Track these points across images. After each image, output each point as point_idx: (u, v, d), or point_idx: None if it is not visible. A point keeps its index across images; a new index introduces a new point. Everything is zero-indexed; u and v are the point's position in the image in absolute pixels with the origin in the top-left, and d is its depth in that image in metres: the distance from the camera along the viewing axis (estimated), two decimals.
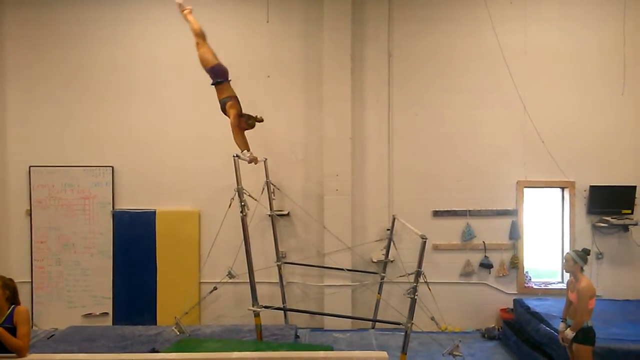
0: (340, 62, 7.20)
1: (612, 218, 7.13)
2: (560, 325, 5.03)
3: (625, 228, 7.20)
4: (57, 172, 7.40)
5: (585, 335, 4.71)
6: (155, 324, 7.03)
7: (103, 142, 7.45)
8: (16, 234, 7.45)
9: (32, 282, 7.39)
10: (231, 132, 5.67)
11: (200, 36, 5.89)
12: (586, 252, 4.96)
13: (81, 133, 7.46)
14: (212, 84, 5.86)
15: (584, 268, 4.91)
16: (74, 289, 7.41)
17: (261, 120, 5.90)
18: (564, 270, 5.21)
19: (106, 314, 7.39)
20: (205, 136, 7.37)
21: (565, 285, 7.15)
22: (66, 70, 7.45)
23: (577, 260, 4.86)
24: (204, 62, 5.82)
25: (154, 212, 7.36)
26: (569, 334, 4.76)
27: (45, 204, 7.41)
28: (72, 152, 7.44)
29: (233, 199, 5.43)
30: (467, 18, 7.35)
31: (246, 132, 5.89)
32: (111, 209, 7.41)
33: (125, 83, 7.45)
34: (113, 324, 7.25)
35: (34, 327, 7.12)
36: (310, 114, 7.43)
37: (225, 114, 5.83)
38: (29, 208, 7.42)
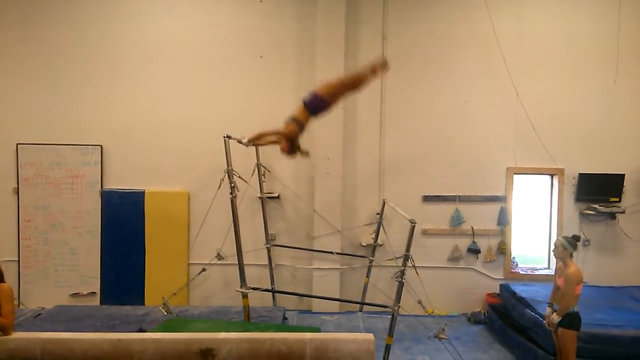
0: (334, 44, 7.12)
1: (599, 206, 7.19)
2: (547, 310, 5.08)
3: (613, 216, 7.26)
4: (45, 150, 7.30)
5: (571, 320, 4.77)
6: (143, 305, 7.02)
7: (92, 121, 7.35)
8: (3, 212, 7.36)
9: (19, 260, 7.32)
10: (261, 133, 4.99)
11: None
12: (576, 238, 5.00)
13: (70, 111, 7.35)
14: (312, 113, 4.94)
15: (573, 254, 4.95)
16: (62, 268, 7.38)
17: (306, 154, 5.16)
18: (554, 256, 5.25)
19: (94, 293, 7.37)
20: (196, 116, 7.30)
21: (551, 271, 7.30)
22: (55, 47, 7.31)
23: (566, 247, 4.90)
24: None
25: (143, 193, 7.31)
26: (555, 318, 4.82)
27: (33, 182, 7.33)
28: (60, 130, 7.33)
29: (223, 180, 5.41)
30: (463, 3, 7.29)
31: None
32: (100, 188, 7.34)
33: (114, 61, 7.33)
34: (101, 304, 7.24)
35: (20, 306, 7.09)
36: (303, 96, 7.34)
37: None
38: (16, 186, 7.33)
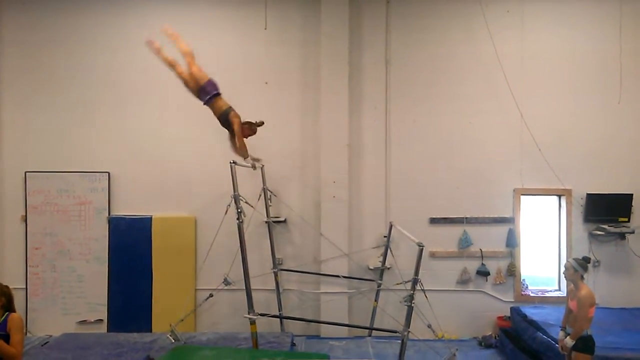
0: (338, 69, 7.21)
1: (608, 226, 7.14)
2: (560, 334, 5.02)
3: (622, 236, 7.20)
4: (52, 177, 7.37)
5: (584, 344, 4.70)
6: (151, 331, 6.98)
7: (99, 148, 7.43)
8: (11, 240, 7.41)
9: (26, 288, 7.34)
10: (231, 140, 5.74)
11: (191, 55, 5.77)
12: (587, 260, 4.96)
13: (77, 138, 7.44)
14: (209, 99, 5.72)
15: (584, 276, 4.90)
16: (69, 295, 7.37)
17: (262, 124, 5.94)
18: (565, 278, 5.20)
19: (101, 320, 7.34)
20: (202, 142, 7.36)
21: (562, 293, 7.21)
22: (62, 75, 7.45)
23: (577, 269, 4.85)
24: (199, 78, 5.68)
25: (150, 218, 7.34)
26: (569, 342, 4.75)
27: (40, 209, 7.38)
28: (68, 157, 7.42)
29: (230, 205, 5.42)
30: (465, 27, 7.38)
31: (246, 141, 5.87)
32: (107, 214, 7.38)
33: (121, 89, 7.45)
34: (108, 331, 7.20)
35: (27, 334, 7.05)
36: (308, 121, 7.43)
37: (225, 126, 5.81)
38: (24, 214, 7.39)
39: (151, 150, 7.42)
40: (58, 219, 7.38)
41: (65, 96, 7.44)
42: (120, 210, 7.42)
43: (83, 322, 7.34)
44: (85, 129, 7.44)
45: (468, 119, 7.35)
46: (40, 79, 7.45)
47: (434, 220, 7.36)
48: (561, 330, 5.04)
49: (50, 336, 6.78)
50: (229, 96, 7.33)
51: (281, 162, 7.40)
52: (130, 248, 7.31)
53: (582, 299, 4.72)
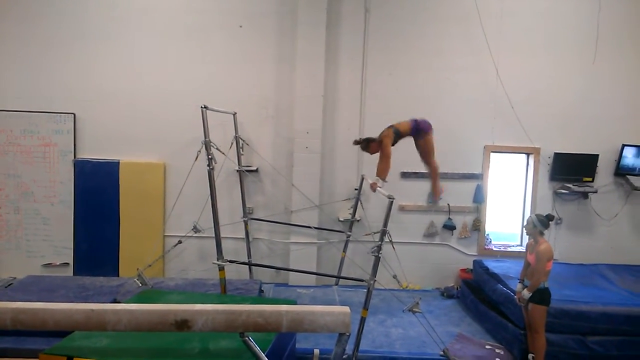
0: (315, 17, 6.99)
1: (573, 185, 7.33)
2: (518, 286, 5.21)
3: (585, 195, 7.42)
4: (15, 116, 7.08)
5: (541, 296, 4.89)
6: (118, 276, 6.96)
7: (65, 88, 7.12)
8: None
9: None
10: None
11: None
12: (549, 218, 5.09)
13: (43, 77, 7.10)
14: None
15: (544, 232, 5.05)
16: (34, 238, 7.25)
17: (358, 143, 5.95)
18: (525, 233, 5.36)
19: (67, 264, 7.27)
20: (173, 86, 7.14)
21: (523, 248, 7.45)
22: (29, 8, 7.00)
23: (536, 224, 5.00)
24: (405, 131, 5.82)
25: (118, 163, 7.17)
26: (526, 294, 4.94)
27: (3, 149, 7.13)
28: (31, 96, 7.09)
29: (200, 152, 5.33)
30: None
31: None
32: (73, 157, 7.18)
33: (89, 26, 7.08)
34: (74, 275, 7.14)
35: None
36: (282, 69, 7.25)
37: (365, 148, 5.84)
38: None
39: (119, 93, 7.16)
40: (21, 160, 7.15)
41: (32, 32, 7.03)
42: (86, 154, 7.22)
43: (48, 265, 7.26)
44: (51, 67, 7.09)
45: (445, 74, 7.30)
46: (4, 13, 7.00)
47: (404, 175, 7.42)
48: (519, 282, 5.23)
49: (15, 278, 6.71)
50: (201, 38, 7.15)
51: (254, 111, 7.26)
52: (97, 192, 7.16)
53: (540, 252, 4.89)
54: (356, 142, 5.90)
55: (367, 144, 5.79)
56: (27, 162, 7.16)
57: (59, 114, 7.12)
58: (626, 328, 5.36)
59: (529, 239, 5.23)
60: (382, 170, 5.48)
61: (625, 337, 5.38)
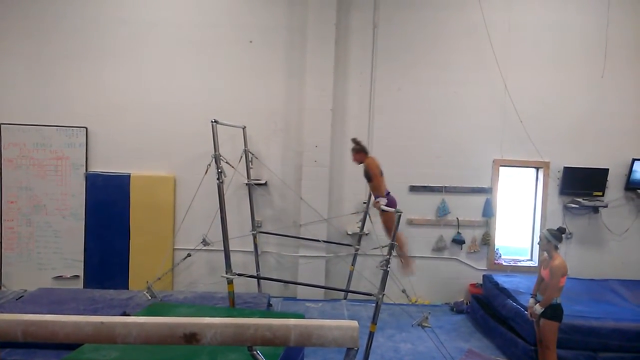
0: (325, 31, 7.08)
1: (583, 199, 7.29)
2: (530, 301, 5.16)
3: (595, 210, 7.37)
4: (29, 130, 7.18)
5: (553, 312, 4.84)
6: (127, 289, 6.99)
7: (77, 102, 7.23)
8: None
9: (1, 242, 7.24)
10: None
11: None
12: (561, 230, 5.05)
13: (55, 91, 7.21)
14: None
15: (558, 247, 5.01)
16: (45, 250, 7.31)
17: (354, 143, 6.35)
18: (539, 248, 5.32)
19: (77, 276, 7.31)
20: (183, 100, 7.23)
21: (533, 263, 7.40)
22: (42, 24, 7.15)
23: (550, 239, 4.95)
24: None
25: (129, 176, 7.24)
26: (538, 309, 4.89)
27: (16, 163, 7.22)
28: (44, 110, 7.20)
29: (210, 165, 5.37)
30: None
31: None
32: (84, 171, 7.26)
33: (102, 41, 7.20)
34: (84, 288, 7.19)
35: (2, 288, 7.02)
36: (292, 83, 7.32)
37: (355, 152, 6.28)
38: None
39: (131, 107, 7.25)
40: (34, 173, 7.24)
41: (44, 48, 7.17)
42: (97, 167, 7.30)
43: (59, 277, 7.31)
44: (64, 82, 7.21)
45: (453, 88, 7.33)
46: (18, 28, 7.14)
47: (413, 188, 7.41)
48: (532, 297, 5.18)
49: (25, 290, 6.74)
50: (212, 53, 7.24)
51: (264, 125, 7.33)
52: (108, 205, 7.23)
53: (554, 268, 4.84)
54: (355, 142, 6.16)
55: (358, 150, 6.19)
56: (40, 175, 7.25)
57: (71, 128, 7.22)
58: (638, 344, 5.29)
59: (541, 254, 5.18)
60: (378, 188, 5.94)
61: (638, 354, 5.30)
